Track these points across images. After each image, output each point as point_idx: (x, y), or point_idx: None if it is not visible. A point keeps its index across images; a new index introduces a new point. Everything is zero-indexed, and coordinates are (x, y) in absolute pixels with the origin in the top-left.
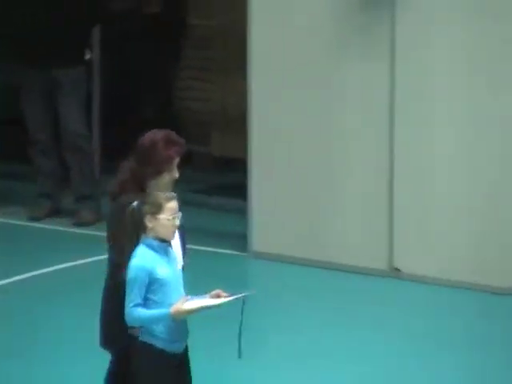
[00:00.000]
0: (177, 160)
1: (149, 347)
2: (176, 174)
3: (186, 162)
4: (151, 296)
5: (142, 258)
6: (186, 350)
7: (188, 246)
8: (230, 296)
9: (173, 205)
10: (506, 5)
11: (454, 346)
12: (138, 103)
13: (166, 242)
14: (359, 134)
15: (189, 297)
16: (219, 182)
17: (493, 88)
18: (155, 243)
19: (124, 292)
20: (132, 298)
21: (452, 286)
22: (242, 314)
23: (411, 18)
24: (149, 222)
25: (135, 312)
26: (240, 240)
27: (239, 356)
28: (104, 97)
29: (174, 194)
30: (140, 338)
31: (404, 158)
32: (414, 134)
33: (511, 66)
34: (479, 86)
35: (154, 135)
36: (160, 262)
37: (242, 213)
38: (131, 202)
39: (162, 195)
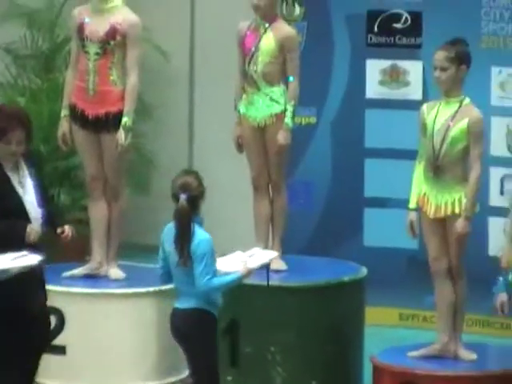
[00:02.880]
0: (16, 133)
1: (207, 315)
2: (13, 148)
3: None
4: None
5: (205, 233)
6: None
7: None
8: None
9: None
10: None
11: None
12: None
13: None
14: None
15: (246, 257)
16: None
17: None
18: (200, 220)
19: None
20: (208, 270)
21: None
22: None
23: None
24: (202, 204)
25: (215, 282)
26: None
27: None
28: None
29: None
30: (198, 306)
31: None
32: None
33: None
34: None
35: None
36: None
37: None
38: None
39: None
